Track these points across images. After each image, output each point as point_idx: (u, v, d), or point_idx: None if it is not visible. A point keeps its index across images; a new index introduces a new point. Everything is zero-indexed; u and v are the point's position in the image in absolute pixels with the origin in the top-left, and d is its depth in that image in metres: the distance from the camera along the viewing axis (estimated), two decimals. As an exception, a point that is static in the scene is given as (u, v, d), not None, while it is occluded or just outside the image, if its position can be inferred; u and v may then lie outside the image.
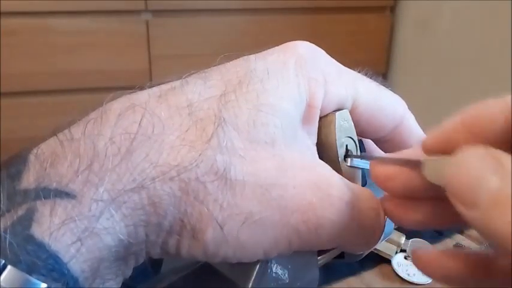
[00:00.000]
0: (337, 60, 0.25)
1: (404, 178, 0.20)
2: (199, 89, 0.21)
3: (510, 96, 0.18)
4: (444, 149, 0.19)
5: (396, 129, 0.26)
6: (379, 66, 1.26)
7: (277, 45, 0.24)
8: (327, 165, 0.22)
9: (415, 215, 0.21)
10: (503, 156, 0.16)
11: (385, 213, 0.22)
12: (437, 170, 0.19)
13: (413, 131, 0.26)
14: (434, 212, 0.20)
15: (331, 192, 0.21)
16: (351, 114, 0.25)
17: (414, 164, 0.20)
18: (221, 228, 0.19)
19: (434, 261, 0.20)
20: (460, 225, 0.21)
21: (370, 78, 0.26)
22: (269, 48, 0.24)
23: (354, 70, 0.26)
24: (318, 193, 0.21)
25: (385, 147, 0.27)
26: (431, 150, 0.20)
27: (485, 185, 0.15)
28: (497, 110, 0.18)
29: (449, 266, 0.20)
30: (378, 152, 0.28)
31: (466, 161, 0.16)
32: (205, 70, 0.23)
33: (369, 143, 0.28)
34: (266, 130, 0.21)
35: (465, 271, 0.20)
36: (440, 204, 0.20)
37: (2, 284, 0.16)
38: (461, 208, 0.16)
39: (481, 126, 0.18)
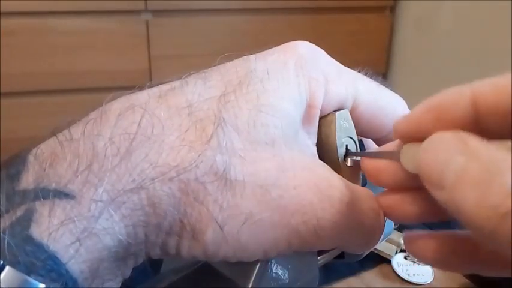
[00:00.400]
0: (337, 60, 0.25)
1: (391, 170, 0.21)
2: (199, 90, 0.21)
3: (475, 82, 0.18)
4: (415, 134, 0.19)
5: None
6: (379, 66, 1.26)
7: (278, 45, 0.24)
8: (327, 165, 0.22)
9: (411, 208, 0.21)
10: (470, 137, 0.16)
11: (382, 211, 0.22)
12: (412, 158, 0.19)
13: None
14: (429, 202, 0.20)
15: (331, 193, 0.21)
16: (351, 114, 0.25)
17: (397, 155, 0.20)
18: (221, 228, 0.19)
19: (423, 244, 0.20)
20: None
21: (370, 77, 0.26)
22: (269, 48, 0.24)
23: (354, 70, 0.26)
24: (318, 194, 0.20)
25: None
26: (403, 136, 0.20)
27: (451, 166, 0.16)
28: (461, 95, 0.18)
29: (438, 249, 0.20)
30: None
31: (434, 145, 0.17)
32: (205, 70, 0.23)
33: (369, 143, 0.28)
34: (266, 130, 0.21)
35: (452, 254, 0.20)
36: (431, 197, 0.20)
37: (1, 284, 0.16)
38: (432, 191, 0.17)
39: (446, 112, 0.18)
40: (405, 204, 0.21)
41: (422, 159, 0.17)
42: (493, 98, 0.17)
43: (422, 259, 0.21)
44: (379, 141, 0.27)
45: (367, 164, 0.22)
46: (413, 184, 0.20)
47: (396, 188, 0.21)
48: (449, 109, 0.18)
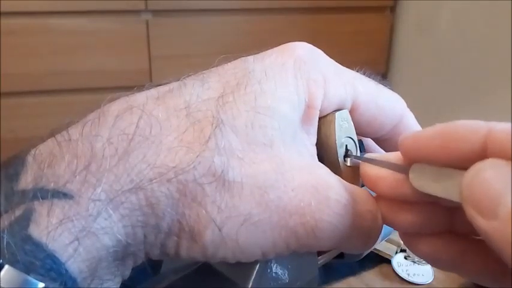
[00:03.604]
0: (337, 60, 0.25)
1: (391, 181, 0.21)
2: (197, 91, 0.21)
3: (493, 123, 0.18)
4: (418, 154, 0.19)
5: (396, 128, 0.26)
6: (379, 66, 1.26)
7: (277, 45, 0.24)
8: (325, 167, 0.22)
9: (405, 216, 0.21)
10: None
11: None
12: (423, 178, 0.19)
13: (413, 129, 0.26)
14: (424, 213, 0.21)
15: (330, 195, 0.21)
16: (350, 114, 0.25)
17: (402, 169, 0.20)
18: (220, 230, 0.19)
19: (425, 243, 0.21)
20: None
21: (369, 77, 0.26)
22: (268, 48, 0.24)
23: (353, 69, 0.26)
24: (317, 196, 0.20)
25: (385, 145, 0.28)
26: (407, 150, 0.20)
27: (507, 197, 0.15)
28: (476, 132, 0.18)
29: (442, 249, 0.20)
30: (378, 150, 0.28)
31: (487, 172, 0.16)
32: (203, 72, 0.23)
33: (369, 142, 0.28)
34: (264, 132, 0.21)
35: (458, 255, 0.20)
36: (429, 208, 0.21)
37: (1, 283, 0.16)
38: (477, 218, 0.16)
39: (455, 143, 0.18)
40: (400, 212, 0.21)
41: (473, 184, 0.17)
42: (505, 146, 0.17)
43: (417, 252, 0.21)
44: (378, 140, 0.28)
45: (367, 170, 0.22)
46: (410, 199, 0.20)
47: (390, 197, 0.21)
48: (460, 141, 0.18)
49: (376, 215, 0.22)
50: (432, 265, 0.22)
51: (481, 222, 0.16)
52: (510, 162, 0.16)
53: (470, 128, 0.18)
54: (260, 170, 0.20)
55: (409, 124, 0.26)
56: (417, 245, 0.21)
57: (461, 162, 0.18)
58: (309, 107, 0.23)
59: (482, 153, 0.17)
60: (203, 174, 0.19)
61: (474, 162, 0.17)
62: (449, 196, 0.18)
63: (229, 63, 0.23)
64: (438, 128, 0.19)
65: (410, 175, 0.20)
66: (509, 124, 0.17)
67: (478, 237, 0.20)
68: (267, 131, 0.21)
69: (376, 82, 0.26)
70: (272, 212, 0.20)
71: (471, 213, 0.16)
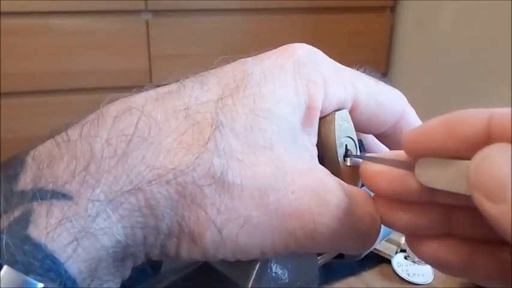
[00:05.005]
0: (337, 60, 0.25)
1: (390, 177, 0.21)
2: (196, 93, 0.21)
3: (492, 109, 0.18)
4: (423, 144, 0.19)
5: (397, 124, 0.26)
6: (379, 66, 1.26)
7: (278, 45, 0.24)
8: (326, 169, 0.22)
9: (403, 215, 0.21)
10: None
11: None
12: (429, 173, 0.19)
13: (414, 125, 0.26)
14: (423, 214, 0.21)
15: (329, 198, 0.21)
16: (351, 113, 0.25)
17: (406, 166, 0.20)
18: (219, 231, 0.19)
19: (430, 247, 0.21)
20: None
21: (369, 74, 0.26)
22: (268, 49, 0.24)
23: (353, 68, 0.25)
24: (316, 199, 0.20)
25: (387, 142, 0.27)
26: (411, 144, 0.20)
27: None
28: (478, 116, 0.18)
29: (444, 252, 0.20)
30: (379, 147, 0.28)
31: (494, 156, 0.16)
32: (202, 73, 0.23)
33: (371, 138, 0.28)
34: (264, 135, 0.21)
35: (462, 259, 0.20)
36: (428, 208, 0.21)
37: (1, 284, 0.16)
38: (485, 203, 0.16)
39: (459, 128, 0.18)
40: (398, 211, 0.21)
41: (481, 168, 0.16)
42: (508, 129, 0.17)
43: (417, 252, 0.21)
44: (380, 137, 0.28)
45: (367, 167, 0.21)
46: (411, 197, 0.20)
47: (389, 196, 0.21)
48: (463, 126, 0.18)
49: (375, 217, 0.22)
50: (439, 270, 0.22)
51: (490, 207, 0.16)
52: None
53: (472, 113, 0.18)
54: (260, 172, 0.20)
55: (411, 120, 0.26)
56: (422, 249, 0.21)
57: (467, 151, 0.18)
58: (309, 108, 0.23)
59: (486, 139, 0.17)
60: (202, 176, 0.19)
61: (479, 149, 0.17)
62: (457, 189, 0.18)
63: (228, 65, 0.23)
64: (441, 117, 0.19)
65: (417, 171, 0.20)
66: (510, 108, 0.17)
67: (480, 241, 0.20)
68: (267, 134, 0.21)
69: (377, 79, 0.26)
70: (272, 214, 0.20)
71: (479, 198, 0.16)
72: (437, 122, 0.19)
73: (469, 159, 0.17)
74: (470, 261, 0.20)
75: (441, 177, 0.19)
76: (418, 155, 0.20)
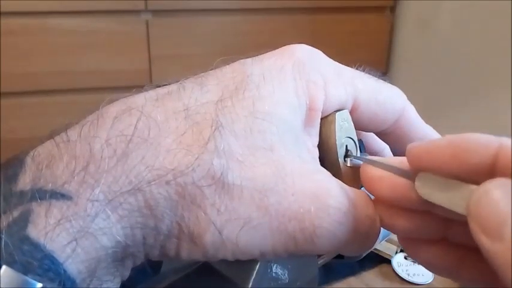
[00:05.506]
0: (337, 61, 0.25)
1: (390, 183, 0.21)
2: (196, 94, 0.21)
3: (505, 139, 0.18)
4: (427, 161, 0.19)
5: (398, 122, 0.26)
6: (379, 66, 1.26)
7: (278, 45, 0.24)
8: (326, 171, 0.22)
9: (402, 221, 0.21)
10: None
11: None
12: (429, 187, 0.19)
13: (414, 122, 0.26)
14: (420, 221, 0.21)
15: (329, 202, 0.21)
16: (352, 113, 0.25)
17: (406, 175, 0.20)
18: (219, 232, 0.19)
19: (424, 250, 0.21)
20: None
21: (368, 73, 0.26)
22: (268, 49, 0.24)
23: (353, 67, 0.25)
24: (316, 202, 0.20)
25: (387, 139, 0.28)
26: (414, 158, 0.20)
27: None
28: (487, 145, 0.18)
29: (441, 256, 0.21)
30: (380, 145, 0.28)
31: (495, 192, 0.16)
32: (202, 74, 0.23)
33: (371, 136, 0.28)
34: (264, 137, 0.21)
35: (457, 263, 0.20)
36: (426, 216, 0.21)
37: (1, 284, 0.16)
38: (482, 237, 0.16)
39: (466, 154, 0.18)
40: (398, 216, 0.21)
41: (480, 203, 0.16)
42: None
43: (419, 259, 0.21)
44: (380, 134, 0.28)
45: (367, 171, 0.21)
46: (410, 205, 0.20)
47: (388, 201, 0.21)
48: (471, 154, 0.18)
49: (375, 220, 0.22)
50: (430, 271, 0.22)
51: (485, 242, 0.16)
52: None
53: (482, 141, 0.18)
54: (260, 173, 0.20)
55: (411, 117, 0.26)
56: (415, 252, 0.21)
57: (470, 175, 0.18)
58: (310, 109, 0.23)
59: (491, 168, 0.17)
60: (202, 176, 0.19)
61: (482, 175, 0.17)
62: (455, 208, 0.18)
63: (227, 66, 0.23)
64: (450, 138, 0.19)
65: (417, 183, 0.20)
66: None
67: (474, 247, 0.21)
68: (266, 136, 0.21)
69: (376, 78, 0.26)
70: (272, 216, 0.20)
71: (476, 231, 0.16)
72: (444, 143, 0.19)
73: (470, 182, 0.17)
74: (459, 264, 0.20)
75: (440, 194, 0.19)
76: (420, 169, 0.20)
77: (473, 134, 0.18)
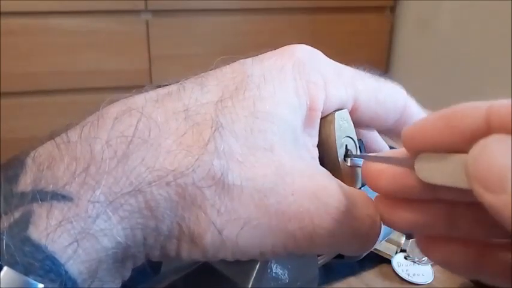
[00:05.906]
0: (337, 61, 0.25)
1: (392, 174, 0.20)
2: (196, 95, 0.21)
3: (493, 101, 0.18)
4: (422, 138, 0.19)
5: (400, 118, 0.26)
6: (379, 66, 1.26)
7: (278, 45, 0.24)
8: (326, 171, 0.22)
9: (405, 215, 0.21)
10: None
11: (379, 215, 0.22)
12: (429, 168, 0.19)
13: (417, 117, 0.26)
14: (425, 213, 0.20)
15: (329, 201, 0.21)
16: (352, 112, 0.25)
17: (406, 163, 0.20)
18: (219, 233, 0.19)
19: (435, 245, 0.21)
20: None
21: (368, 72, 0.26)
22: (269, 49, 0.24)
23: (353, 67, 0.25)
24: (316, 202, 0.20)
25: (391, 136, 0.28)
26: (409, 139, 0.20)
27: None
28: (476, 109, 0.18)
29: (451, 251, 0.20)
30: (382, 142, 0.28)
31: (492, 147, 0.16)
32: (202, 75, 0.23)
33: (371, 135, 0.28)
34: (264, 137, 0.21)
35: (464, 256, 0.20)
36: (431, 206, 0.20)
37: (1, 285, 0.16)
38: (485, 194, 0.16)
39: (458, 121, 0.18)
40: (399, 211, 0.21)
41: (480, 158, 0.16)
42: (507, 119, 0.16)
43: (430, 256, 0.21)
44: (384, 132, 0.28)
45: (369, 166, 0.21)
46: (414, 195, 0.20)
47: (392, 195, 0.21)
48: (462, 119, 0.18)
49: (375, 219, 0.22)
50: (449, 270, 0.22)
51: (489, 198, 0.16)
52: None
53: (471, 106, 0.18)
54: (260, 173, 0.20)
55: (413, 112, 0.26)
56: (433, 251, 0.21)
57: (466, 144, 0.17)
58: (310, 109, 0.23)
59: (485, 131, 0.17)
60: (202, 177, 0.19)
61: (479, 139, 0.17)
62: (457, 183, 0.18)
63: (227, 66, 0.23)
64: (440, 111, 0.19)
65: (416, 166, 0.19)
66: (509, 100, 0.17)
67: (492, 243, 0.20)
68: (267, 136, 0.21)
69: (377, 77, 0.26)
70: (271, 216, 0.20)
71: (478, 190, 0.16)
72: (435, 117, 0.19)
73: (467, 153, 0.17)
74: (479, 262, 0.20)
75: (440, 172, 0.19)
76: (418, 151, 0.20)
77: (462, 103, 0.18)
